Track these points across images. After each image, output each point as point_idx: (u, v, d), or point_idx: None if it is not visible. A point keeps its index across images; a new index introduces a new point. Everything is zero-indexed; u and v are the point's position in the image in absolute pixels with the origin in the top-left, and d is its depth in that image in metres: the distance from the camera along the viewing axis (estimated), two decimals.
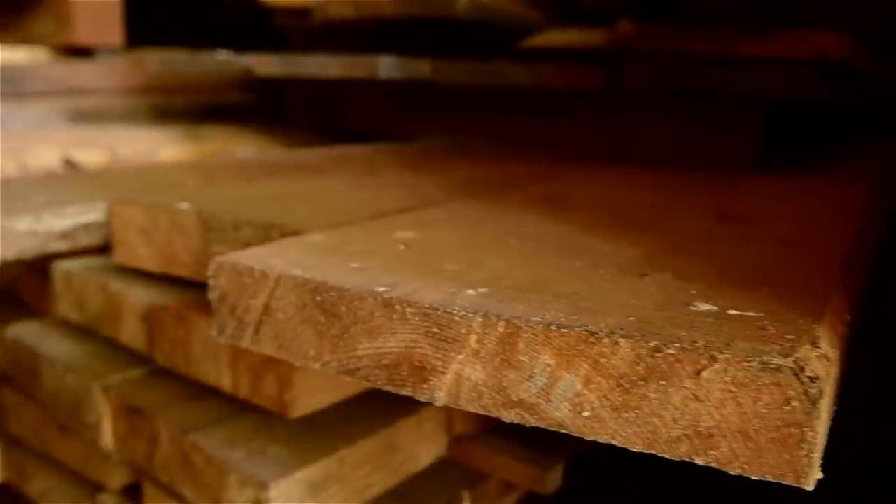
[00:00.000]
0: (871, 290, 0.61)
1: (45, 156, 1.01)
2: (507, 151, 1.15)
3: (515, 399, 0.37)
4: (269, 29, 1.47)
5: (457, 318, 0.38)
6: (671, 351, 0.33)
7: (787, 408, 0.31)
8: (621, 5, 1.09)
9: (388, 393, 0.42)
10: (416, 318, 0.39)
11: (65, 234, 0.67)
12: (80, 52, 1.44)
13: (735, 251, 0.53)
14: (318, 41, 1.37)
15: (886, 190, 0.92)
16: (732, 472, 0.33)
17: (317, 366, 0.44)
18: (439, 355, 0.39)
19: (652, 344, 0.33)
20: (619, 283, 0.43)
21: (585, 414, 0.35)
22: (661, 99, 1.07)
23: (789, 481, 0.32)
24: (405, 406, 0.61)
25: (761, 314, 0.38)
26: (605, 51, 1.06)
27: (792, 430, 0.31)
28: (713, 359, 0.32)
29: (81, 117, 1.31)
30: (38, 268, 0.79)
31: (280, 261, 0.47)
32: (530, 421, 0.37)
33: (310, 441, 0.56)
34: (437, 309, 0.39)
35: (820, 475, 0.32)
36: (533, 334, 0.36)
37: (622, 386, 0.34)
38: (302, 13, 1.32)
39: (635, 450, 0.35)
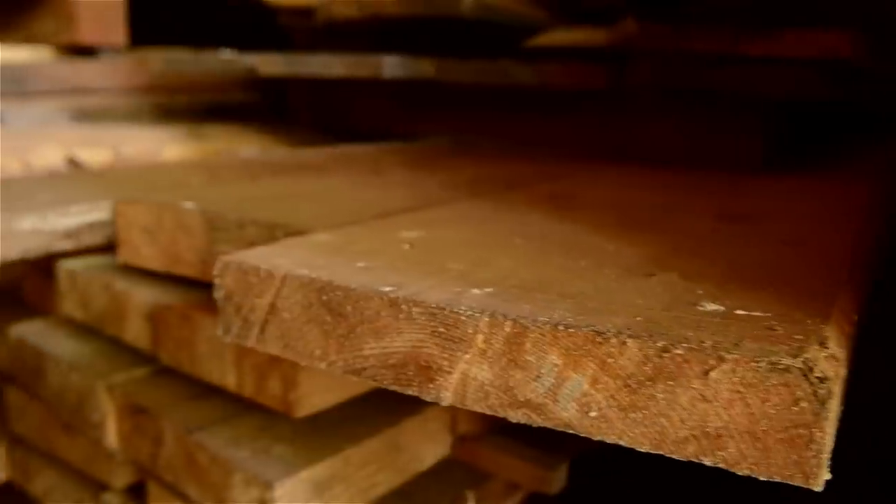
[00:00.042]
0: (875, 289, 0.60)
1: (49, 155, 1.01)
2: (511, 151, 1.15)
3: (522, 399, 0.37)
4: (272, 28, 1.47)
5: (463, 318, 0.38)
6: (679, 351, 0.33)
7: (795, 408, 0.31)
8: (625, 5, 1.09)
9: (392, 392, 0.42)
10: (423, 318, 0.39)
11: (69, 234, 0.67)
12: (84, 52, 1.44)
13: (740, 251, 0.52)
14: (321, 41, 1.37)
15: (889, 190, 0.91)
16: (740, 473, 0.33)
17: (322, 365, 0.44)
18: (446, 355, 0.39)
19: (660, 344, 0.33)
20: (625, 283, 0.43)
21: (593, 414, 0.35)
22: (664, 98, 1.06)
23: (798, 482, 0.32)
24: (409, 406, 0.61)
25: (768, 314, 0.38)
26: (608, 50, 1.06)
27: (801, 430, 0.31)
28: (721, 359, 0.32)
29: (85, 116, 1.31)
30: (42, 267, 0.79)
31: (286, 260, 0.47)
32: (537, 421, 0.37)
33: (315, 440, 0.56)
34: (444, 308, 0.39)
35: (828, 476, 0.32)
36: (540, 334, 0.36)
37: (629, 386, 0.34)
38: (305, 13, 1.32)
39: (642, 450, 0.35)
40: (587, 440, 0.37)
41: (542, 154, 1.10)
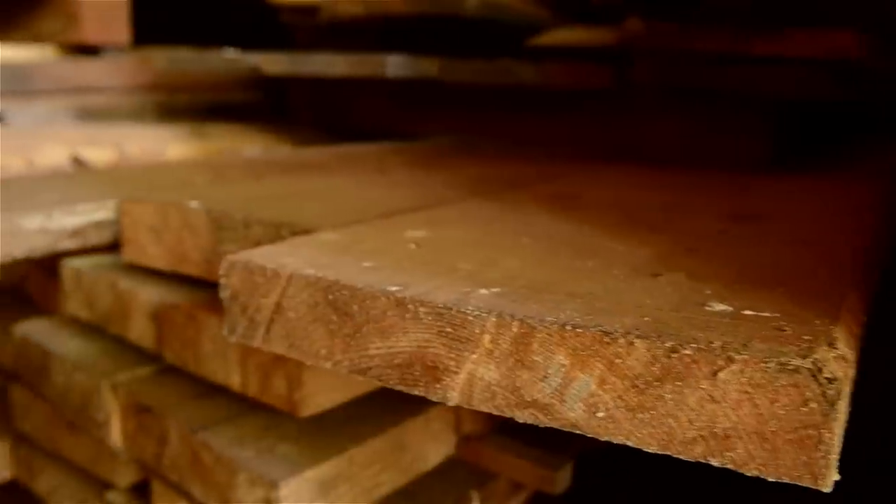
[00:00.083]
0: (884, 290, 0.60)
1: (53, 154, 1.01)
2: (514, 150, 1.15)
3: (529, 399, 0.37)
4: (274, 27, 1.47)
5: (470, 318, 0.38)
6: (687, 351, 0.33)
7: (804, 409, 0.31)
8: (629, 4, 1.09)
9: (396, 392, 0.42)
10: (430, 318, 0.39)
11: (75, 232, 0.67)
12: (88, 51, 1.44)
13: (748, 251, 0.52)
14: (323, 39, 1.37)
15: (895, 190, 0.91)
16: (749, 474, 0.33)
17: (328, 365, 0.44)
18: (452, 355, 0.39)
19: (668, 344, 0.33)
20: (633, 283, 0.43)
21: (600, 414, 0.35)
22: (669, 98, 1.06)
23: (806, 483, 0.32)
24: (414, 405, 0.60)
25: (777, 314, 0.37)
26: (613, 49, 1.06)
27: (809, 431, 0.31)
28: (730, 359, 0.32)
29: (89, 115, 1.31)
30: (46, 266, 0.79)
31: (292, 259, 0.47)
32: (544, 421, 0.37)
33: (319, 440, 0.56)
34: (451, 308, 0.38)
35: (837, 477, 0.32)
36: (547, 334, 0.36)
37: (637, 386, 0.34)
38: (309, 11, 1.32)
39: (650, 451, 0.35)
40: (592, 440, 0.36)
41: (545, 153, 1.10)
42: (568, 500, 0.66)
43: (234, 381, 0.59)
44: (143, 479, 0.66)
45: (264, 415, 0.59)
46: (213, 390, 0.62)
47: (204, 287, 0.64)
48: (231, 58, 1.22)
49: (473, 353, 0.38)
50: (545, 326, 0.36)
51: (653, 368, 0.34)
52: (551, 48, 1.14)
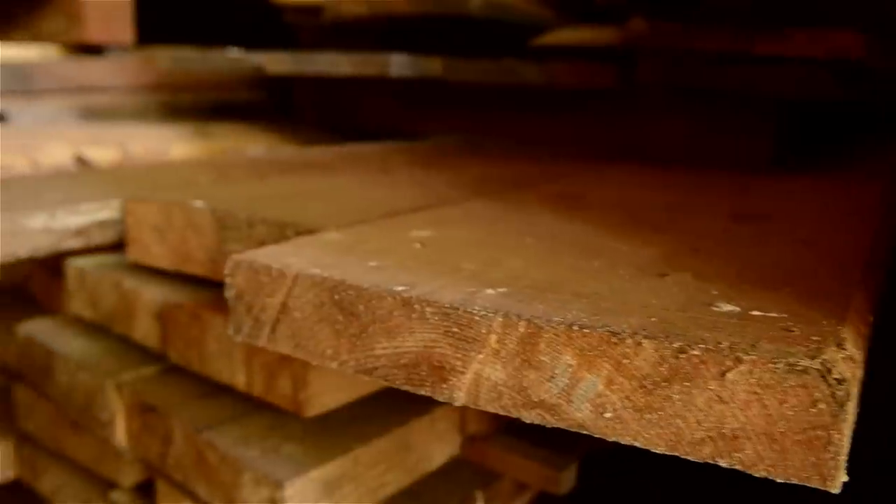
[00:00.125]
0: (888, 290, 0.60)
1: (57, 153, 1.01)
2: (518, 150, 1.14)
3: (536, 399, 0.37)
4: (278, 27, 1.47)
5: (477, 318, 0.38)
6: (695, 352, 0.33)
7: (813, 410, 0.31)
8: (633, 3, 1.09)
9: (401, 392, 0.42)
10: (436, 318, 0.39)
11: (79, 232, 0.67)
12: (91, 50, 1.44)
13: (753, 251, 0.52)
14: (327, 39, 1.37)
15: None
16: (757, 475, 0.33)
17: (334, 365, 0.44)
18: (459, 355, 0.39)
19: (676, 345, 0.33)
20: (639, 283, 0.43)
21: (607, 415, 0.35)
22: (672, 97, 1.06)
23: (815, 484, 0.32)
24: (419, 405, 0.60)
25: (784, 315, 0.37)
26: (617, 49, 1.06)
27: (818, 432, 0.31)
28: (738, 360, 0.32)
29: (92, 115, 1.31)
30: (50, 265, 0.79)
31: (297, 259, 0.47)
32: (551, 422, 0.37)
33: (324, 440, 0.56)
34: (458, 308, 0.38)
35: (845, 478, 0.32)
36: (554, 334, 0.36)
37: (645, 387, 0.34)
38: (313, 11, 1.31)
39: (658, 451, 0.34)
40: (597, 440, 0.36)
41: (549, 153, 1.10)
42: (573, 500, 0.66)
43: (239, 380, 0.59)
44: (148, 478, 0.66)
45: (269, 414, 0.59)
46: (218, 390, 0.62)
47: (208, 286, 0.64)
48: (235, 57, 1.22)
49: (480, 353, 0.38)
50: (552, 326, 0.36)
51: (661, 369, 0.34)
52: (555, 48, 1.14)
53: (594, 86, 1.07)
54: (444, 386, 0.40)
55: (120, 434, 0.64)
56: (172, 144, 1.13)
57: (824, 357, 0.31)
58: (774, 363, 0.31)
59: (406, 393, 0.42)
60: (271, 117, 1.49)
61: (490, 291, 0.41)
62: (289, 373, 0.55)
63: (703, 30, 0.98)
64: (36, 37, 1.42)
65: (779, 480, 0.32)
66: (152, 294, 0.65)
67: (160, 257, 0.67)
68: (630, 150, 1.11)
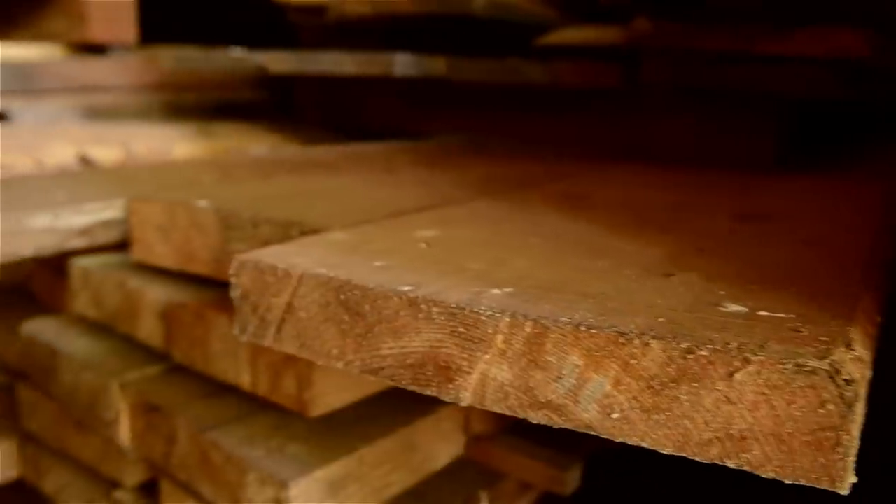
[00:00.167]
0: (893, 290, 0.60)
1: (60, 153, 1.01)
2: (522, 149, 1.14)
3: (543, 400, 0.37)
4: (281, 26, 1.47)
5: (483, 318, 0.38)
6: (703, 353, 0.33)
7: (822, 411, 0.31)
8: (637, 3, 1.09)
9: (406, 392, 0.42)
10: (442, 318, 0.39)
11: (83, 231, 0.67)
12: (94, 50, 1.44)
13: (759, 251, 0.52)
14: (330, 39, 1.37)
15: None
16: (765, 476, 0.33)
17: (340, 365, 0.44)
18: (465, 355, 0.39)
19: (683, 345, 0.33)
20: (645, 284, 0.43)
21: (615, 416, 0.35)
22: (676, 97, 1.06)
23: (824, 485, 0.32)
24: (423, 405, 0.60)
25: (792, 315, 0.37)
26: (621, 48, 1.06)
27: (827, 433, 0.31)
28: (747, 361, 0.32)
29: (95, 114, 1.31)
30: (53, 264, 0.79)
31: (302, 259, 0.46)
32: (558, 422, 0.37)
33: (329, 440, 0.56)
34: (464, 308, 0.38)
35: (854, 479, 0.32)
36: (561, 335, 0.36)
37: (653, 388, 0.34)
38: (316, 10, 1.31)
39: (665, 452, 0.34)
40: (601, 441, 0.36)
41: (553, 153, 1.10)
42: (577, 500, 0.66)
43: (244, 380, 0.59)
44: (152, 478, 0.66)
45: (274, 414, 0.59)
46: (222, 389, 0.62)
47: (212, 286, 0.64)
48: (238, 57, 1.22)
49: (486, 353, 0.38)
50: (559, 327, 0.36)
51: (668, 369, 0.33)
52: (559, 47, 1.13)
53: (598, 85, 1.07)
54: (451, 386, 0.39)
55: (124, 433, 0.64)
56: (176, 144, 1.13)
57: (833, 358, 0.31)
58: (783, 364, 0.31)
59: (410, 393, 0.41)
60: (274, 117, 1.49)
61: (496, 291, 0.41)
62: (294, 372, 0.55)
63: (707, 29, 0.98)
64: (39, 36, 1.42)
65: (787, 481, 0.32)
66: (156, 293, 0.65)
67: (164, 257, 0.67)
68: (634, 150, 1.11)
